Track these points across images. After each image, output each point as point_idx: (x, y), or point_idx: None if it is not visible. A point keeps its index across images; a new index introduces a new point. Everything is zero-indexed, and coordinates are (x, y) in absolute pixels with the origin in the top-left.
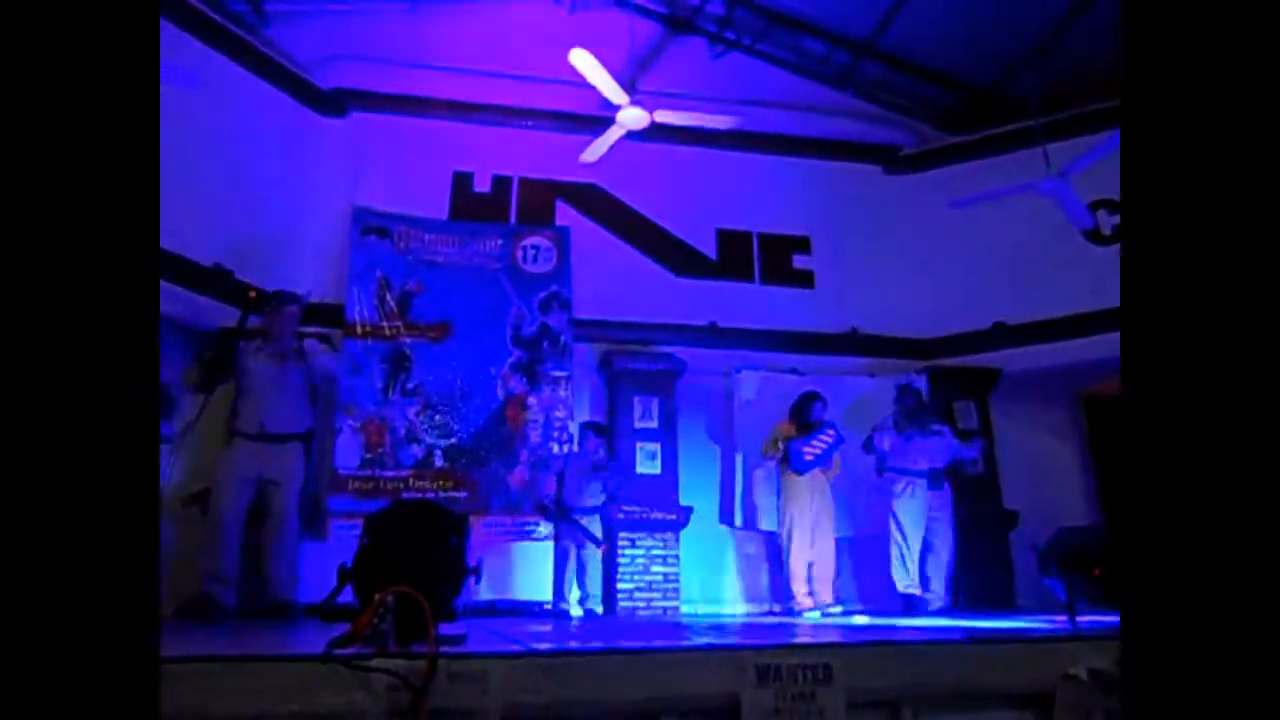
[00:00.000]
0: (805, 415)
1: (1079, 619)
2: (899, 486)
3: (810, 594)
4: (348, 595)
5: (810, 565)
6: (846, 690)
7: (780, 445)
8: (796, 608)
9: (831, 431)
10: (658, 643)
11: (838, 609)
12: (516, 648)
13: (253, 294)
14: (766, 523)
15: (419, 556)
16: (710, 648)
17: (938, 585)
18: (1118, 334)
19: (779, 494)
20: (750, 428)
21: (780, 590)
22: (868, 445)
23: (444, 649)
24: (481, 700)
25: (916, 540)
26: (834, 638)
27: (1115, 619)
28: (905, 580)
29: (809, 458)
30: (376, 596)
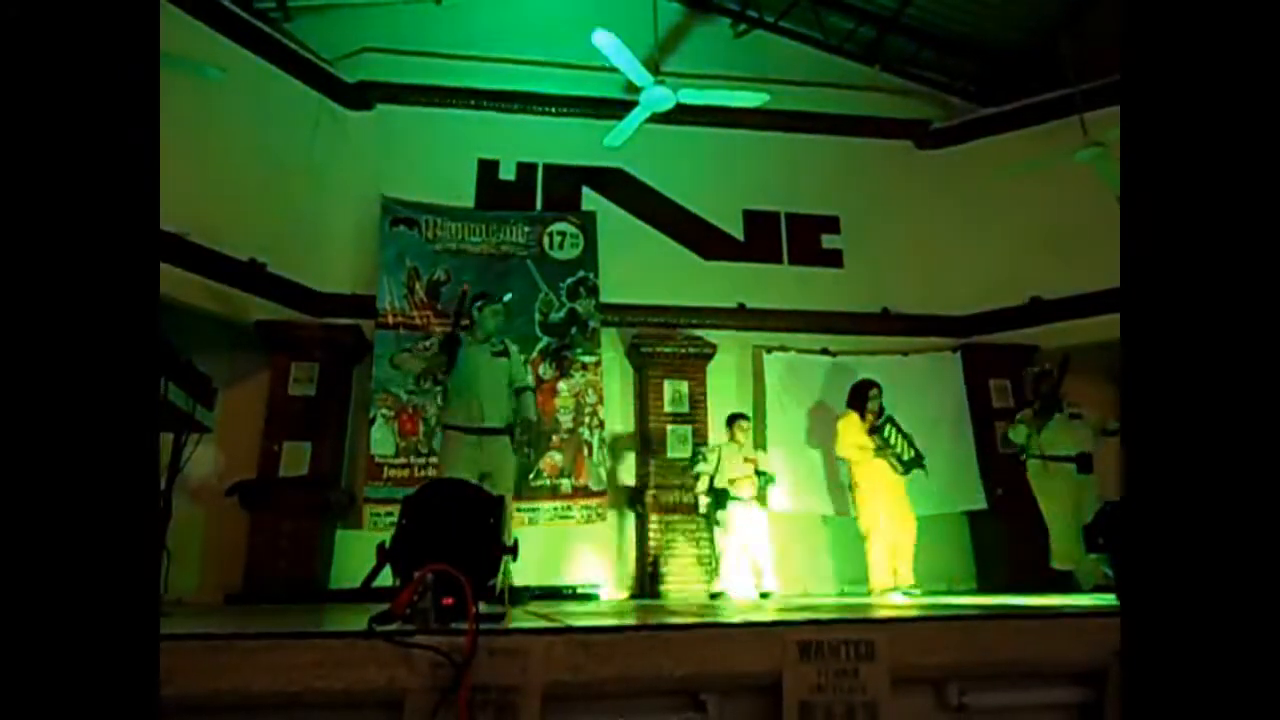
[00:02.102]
0: (865, 403)
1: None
2: (1038, 468)
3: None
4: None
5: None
6: (890, 666)
7: (873, 450)
8: (879, 591)
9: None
10: (698, 620)
11: (918, 590)
12: (556, 625)
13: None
14: (811, 504)
15: (457, 536)
16: (752, 624)
17: (1091, 564)
18: None
19: (850, 487)
20: (781, 409)
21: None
22: (1003, 442)
23: (484, 626)
24: (522, 677)
25: (1064, 520)
26: (877, 614)
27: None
28: (1058, 559)
29: (911, 455)
30: (416, 574)
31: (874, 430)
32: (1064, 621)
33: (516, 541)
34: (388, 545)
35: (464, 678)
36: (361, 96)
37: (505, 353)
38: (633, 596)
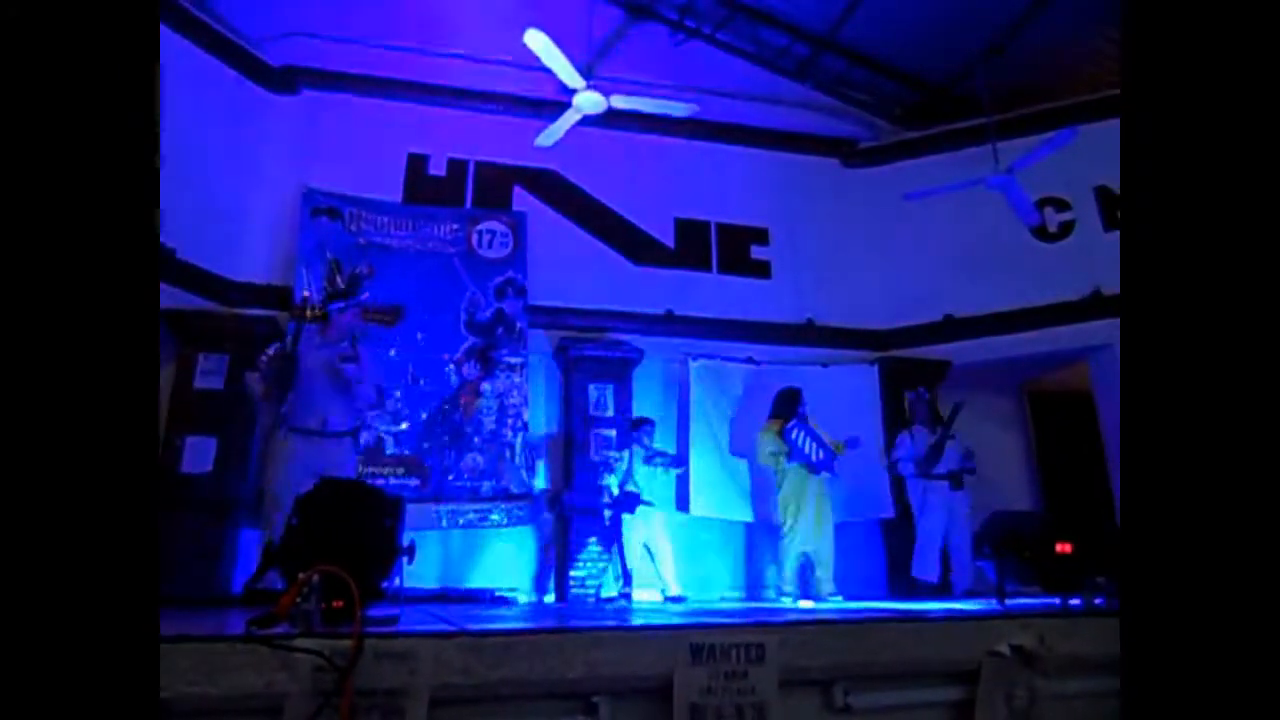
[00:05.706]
0: (794, 410)
1: (1006, 599)
2: (920, 486)
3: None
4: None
5: (807, 556)
6: (780, 669)
7: (783, 453)
8: (789, 600)
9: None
10: (591, 623)
11: (839, 597)
12: (447, 627)
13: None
14: (734, 511)
15: (349, 537)
16: (644, 627)
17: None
18: (1061, 328)
19: (776, 489)
20: (705, 416)
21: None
22: (893, 469)
23: (372, 629)
24: (410, 680)
25: (938, 534)
26: (768, 618)
27: (1040, 598)
28: (927, 570)
29: (820, 457)
30: (301, 575)
31: (784, 432)
32: (940, 624)
33: (413, 543)
34: (274, 545)
35: (346, 681)
36: (286, 80)
37: (355, 358)
38: (558, 600)
